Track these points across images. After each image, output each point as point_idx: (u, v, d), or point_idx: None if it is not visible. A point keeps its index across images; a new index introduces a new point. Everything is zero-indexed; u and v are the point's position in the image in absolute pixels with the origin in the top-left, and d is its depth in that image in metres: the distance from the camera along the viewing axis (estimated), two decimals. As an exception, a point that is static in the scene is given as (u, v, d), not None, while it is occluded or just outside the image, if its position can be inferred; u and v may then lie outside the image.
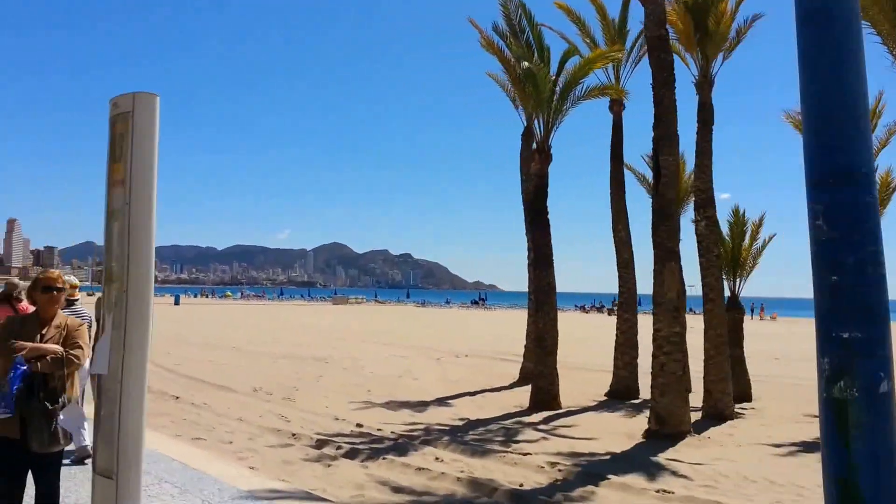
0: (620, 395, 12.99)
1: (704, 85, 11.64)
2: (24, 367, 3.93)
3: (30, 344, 4.04)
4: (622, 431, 10.07)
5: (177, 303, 63.94)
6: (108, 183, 4.27)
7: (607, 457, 8.47)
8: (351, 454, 7.91)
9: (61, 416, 3.96)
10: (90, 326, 6.69)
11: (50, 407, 3.95)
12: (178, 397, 11.61)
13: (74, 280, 7.33)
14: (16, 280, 9.68)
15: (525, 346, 15.20)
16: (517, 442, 9.11)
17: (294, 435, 8.80)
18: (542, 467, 7.55)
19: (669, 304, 9.87)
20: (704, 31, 11.43)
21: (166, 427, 9.02)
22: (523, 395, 12.71)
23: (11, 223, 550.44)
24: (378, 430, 9.45)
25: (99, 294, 7.79)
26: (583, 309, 70.30)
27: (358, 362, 17.80)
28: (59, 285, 4.34)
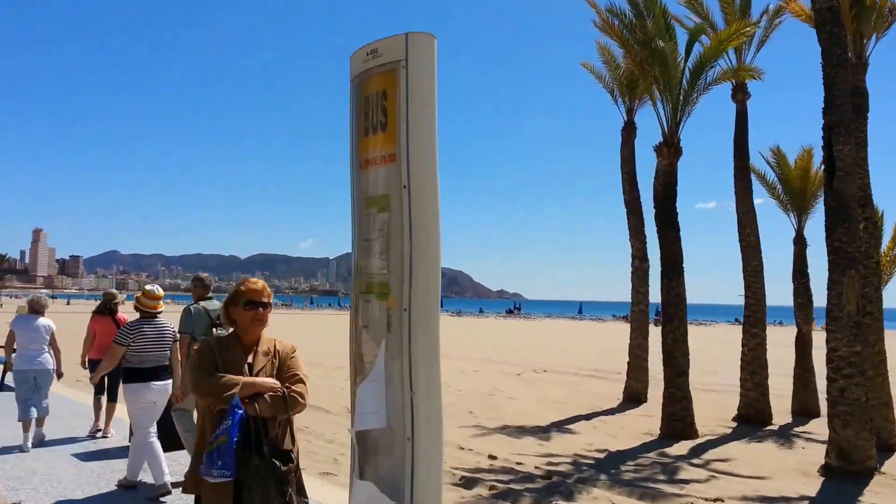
0: (751, 419, 11.61)
1: (859, 67, 10.29)
2: (241, 412, 2.80)
3: (244, 378, 2.95)
4: (791, 467, 8.69)
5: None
6: (356, 161, 3.07)
7: (805, 502, 7.16)
8: (510, 497, 6.67)
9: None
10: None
11: (283, 467, 2.82)
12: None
13: (159, 290, 6.16)
14: (114, 290, 8.62)
15: (628, 363, 13.90)
16: (684, 481, 7.79)
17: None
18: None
19: (848, 319, 8.48)
20: (861, 6, 10.10)
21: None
22: (644, 421, 11.41)
23: (38, 233, 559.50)
24: (518, 463, 8.21)
25: (188, 303, 6.76)
26: (625, 319, 68.73)
27: (436, 378, 16.58)
28: (266, 300, 3.21)
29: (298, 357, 3.22)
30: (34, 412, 7.21)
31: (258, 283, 3.26)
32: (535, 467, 8.00)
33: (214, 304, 6.22)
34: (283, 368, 3.11)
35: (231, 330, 3.23)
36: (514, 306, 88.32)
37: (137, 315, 5.93)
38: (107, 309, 8.08)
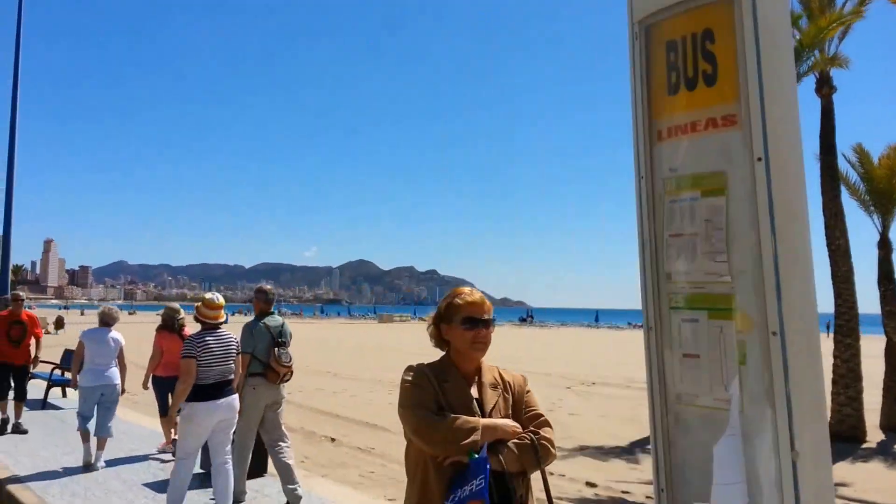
0: (843, 436, 10.80)
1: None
2: (486, 464, 2.12)
3: (483, 420, 2.26)
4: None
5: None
6: (646, 131, 2.30)
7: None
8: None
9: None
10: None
11: None
12: (333, 439, 9.75)
13: (219, 298, 5.44)
14: (176, 304, 7.92)
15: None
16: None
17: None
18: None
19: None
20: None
21: (363, 484, 7.13)
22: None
23: (48, 243, 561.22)
24: (623, 492, 7.45)
25: (249, 317, 6.13)
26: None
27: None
28: (488, 316, 2.44)
29: (535, 394, 2.50)
30: (93, 425, 6.90)
31: (475, 294, 2.48)
32: (646, 497, 7.23)
33: (276, 320, 5.91)
34: (520, 405, 2.41)
35: (442, 354, 2.47)
36: (526, 314, 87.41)
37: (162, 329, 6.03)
38: (172, 325, 7.48)
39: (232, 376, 5.26)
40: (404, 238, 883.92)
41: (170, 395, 6.66)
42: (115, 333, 7.21)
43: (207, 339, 5.18)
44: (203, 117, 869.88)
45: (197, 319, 5.37)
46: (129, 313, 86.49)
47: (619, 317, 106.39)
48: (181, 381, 5.11)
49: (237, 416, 5.28)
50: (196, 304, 5.55)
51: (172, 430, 7.26)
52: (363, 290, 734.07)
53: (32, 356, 8.92)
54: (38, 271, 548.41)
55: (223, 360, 5.20)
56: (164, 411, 7.39)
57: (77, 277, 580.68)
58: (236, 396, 5.27)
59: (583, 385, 17.84)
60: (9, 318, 8.56)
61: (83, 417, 6.90)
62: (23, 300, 9.05)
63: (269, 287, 6.32)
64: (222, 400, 5.10)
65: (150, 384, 7.60)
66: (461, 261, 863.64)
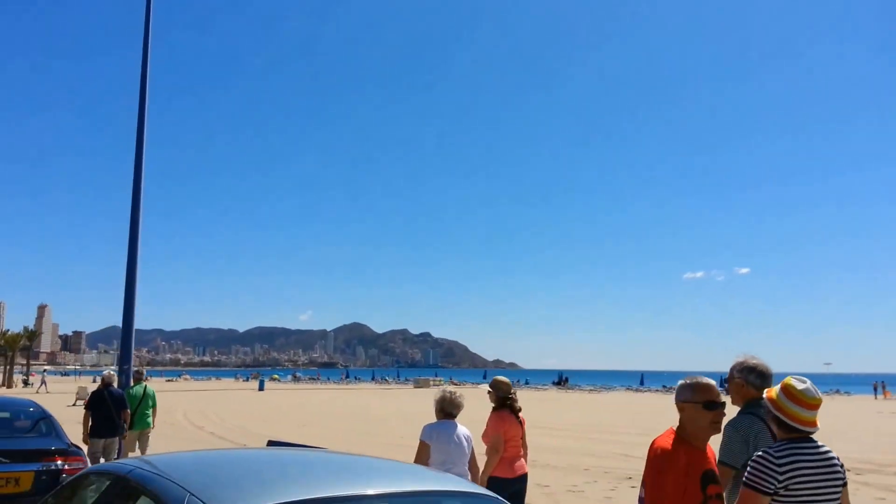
0: None
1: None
2: None
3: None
4: None
5: (261, 388, 58.70)
6: None
7: None
8: None
9: None
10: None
11: None
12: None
13: (813, 390, 2.85)
14: (505, 378, 5.84)
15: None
16: None
17: None
18: None
19: None
20: None
21: None
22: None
23: (42, 308, 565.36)
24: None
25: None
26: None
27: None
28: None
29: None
30: None
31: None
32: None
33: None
34: None
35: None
36: (560, 378, 79.35)
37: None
38: (507, 402, 5.54)
39: None
40: (398, 301, 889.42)
41: None
42: (463, 429, 5.09)
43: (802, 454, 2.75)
44: (195, 184, 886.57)
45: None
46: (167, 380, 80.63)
47: (657, 379, 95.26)
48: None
49: None
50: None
51: None
52: (358, 352, 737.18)
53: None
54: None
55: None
56: None
57: (70, 342, 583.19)
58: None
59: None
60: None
61: None
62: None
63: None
64: None
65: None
66: (454, 323, 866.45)
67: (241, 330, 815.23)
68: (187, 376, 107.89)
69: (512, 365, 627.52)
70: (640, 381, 77.08)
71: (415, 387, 72.55)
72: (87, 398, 10.77)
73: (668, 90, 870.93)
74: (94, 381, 51.50)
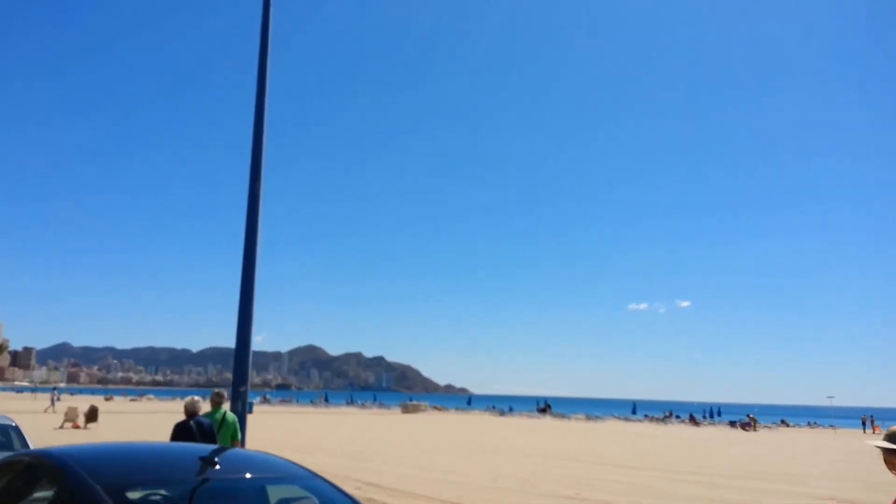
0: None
1: None
2: None
3: None
4: None
5: (249, 410, 45.22)
6: None
7: None
8: None
9: None
10: None
11: None
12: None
13: None
14: None
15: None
16: None
17: None
18: None
19: None
20: None
21: None
22: None
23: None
24: None
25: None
26: (693, 421, 61.70)
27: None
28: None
29: None
30: None
31: None
32: None
33: None
34: None
35: None
36: (543, 404, 79.29)
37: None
38: None
39: None
40: (353, 324, 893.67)
41: None
42: None
43: None
44: (149, 204, 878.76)
45: None
46: (106, 399, 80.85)
47: (598, 407, 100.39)
48: None
49: None
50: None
51: None
52: (312, 375, 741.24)
53: None
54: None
55: None
56: None
57: (19, 359, 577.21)
58: None
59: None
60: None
61: None
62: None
63: None
64: None
65: None
66: (408, 347, 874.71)
67: (195, 350, 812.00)
68: (151, 396, 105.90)
69: (463, 390, 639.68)
70: (633, 410, 79.44)
71: (403, 412, 70.43)
72: (172, 432, 7.50)
73: (609, 122, 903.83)
74: (57, 398, 48.82)
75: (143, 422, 37.90)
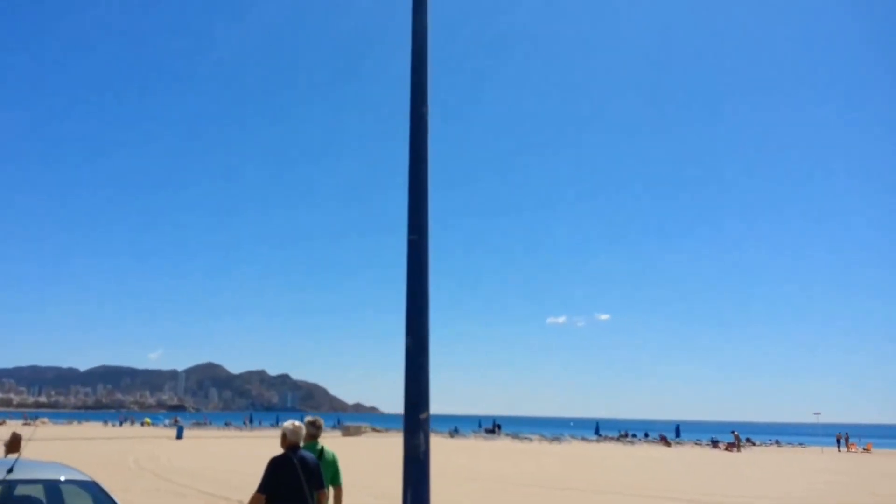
0: None
1: None
2: None
3: None
4: None
5: (179, 436, 50.60)
6: None
7: None
8: None
9: None
10: None
11: None
12: None
13: None
14: None
15: None
16: None
17: None
18: None
19: None
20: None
21: None
22: None
23: None
24: None
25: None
26: (714, 444, 57.69)
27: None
28: None
29: None
30: None
31: None
32: None
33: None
34: None
35: None
36: (493, 425, 75.28)
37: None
38: None
39: None
40: (256, 341, 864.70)
41: None
42: None
43: None
44: (34, 208, 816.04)
45: None
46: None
47: (527, 425, 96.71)
48: None
49: None
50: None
51: None
52: (210, 394, 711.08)
53: None
54: None
55: None
56: None
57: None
58: None
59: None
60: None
61: None
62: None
63: None
64: None
65: None
66: (314, 365, 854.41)
67: (83, 369, 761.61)
68: (45, 420, 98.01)
69: (373, 409, 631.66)
70: (596, 430, 73.67)
71: (343, 435, 63.57)
72: (268, 470, 5.45)
73: (539, 139, 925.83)
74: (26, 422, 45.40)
75: (86, 450, 33.05)
